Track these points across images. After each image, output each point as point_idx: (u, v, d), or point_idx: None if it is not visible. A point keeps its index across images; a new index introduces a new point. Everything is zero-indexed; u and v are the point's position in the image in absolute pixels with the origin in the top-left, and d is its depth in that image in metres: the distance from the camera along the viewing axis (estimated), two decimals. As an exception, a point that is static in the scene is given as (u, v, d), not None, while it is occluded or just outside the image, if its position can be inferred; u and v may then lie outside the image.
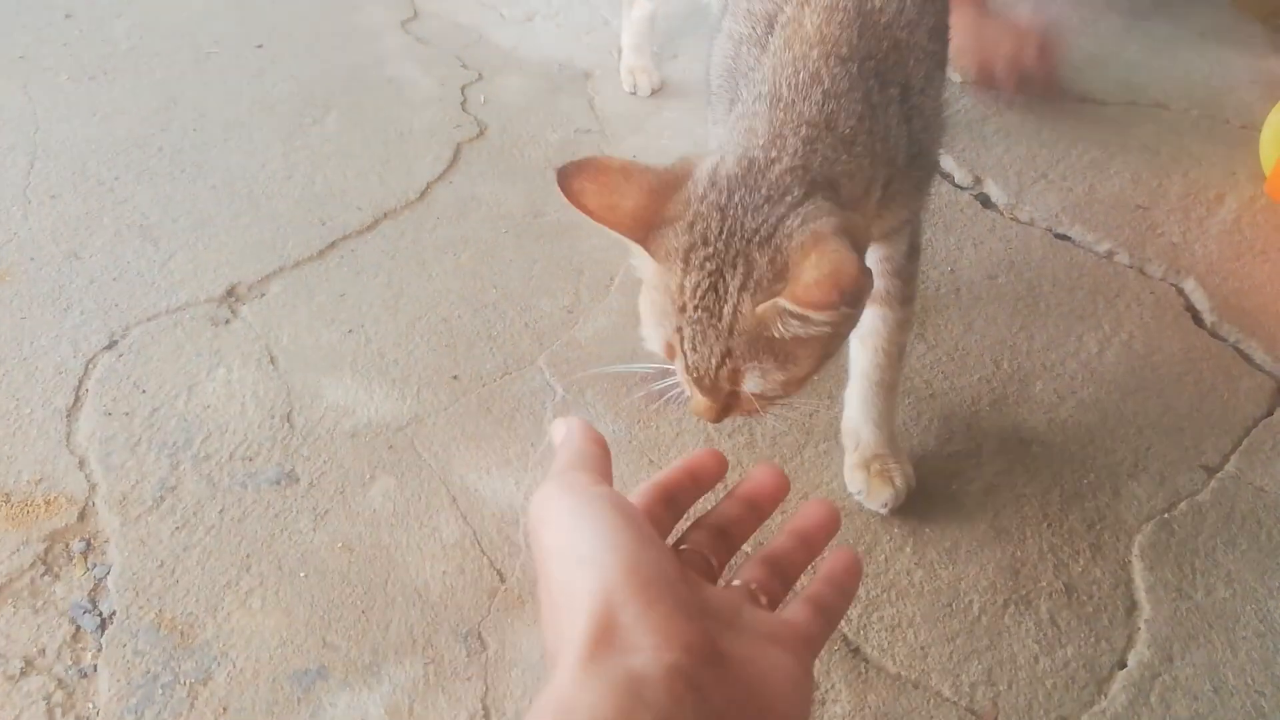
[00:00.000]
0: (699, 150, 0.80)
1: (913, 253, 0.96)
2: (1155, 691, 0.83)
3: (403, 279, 1.26)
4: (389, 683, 0.84)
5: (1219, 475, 1.01)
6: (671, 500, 0.52)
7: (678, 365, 0.74)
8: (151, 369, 1.12)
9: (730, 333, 0.70)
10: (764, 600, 0.49)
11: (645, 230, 0.71)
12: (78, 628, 0.88)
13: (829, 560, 0.52)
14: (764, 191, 0.70)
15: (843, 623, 0.87)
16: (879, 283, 0.94)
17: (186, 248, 1.30)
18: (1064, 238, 1.34)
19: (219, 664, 0.85)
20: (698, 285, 0.69)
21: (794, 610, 0.48)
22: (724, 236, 0.69)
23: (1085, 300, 1.23)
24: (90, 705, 0.82)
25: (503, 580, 0.92)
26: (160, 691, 0.83)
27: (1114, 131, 1.52)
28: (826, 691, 0.83)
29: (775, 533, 0.53)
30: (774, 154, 0.72)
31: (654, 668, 0.39)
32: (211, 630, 0.87)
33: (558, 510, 0.47)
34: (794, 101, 0.74)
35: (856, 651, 0.86)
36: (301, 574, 0.92)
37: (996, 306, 1.22)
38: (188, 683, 0.83)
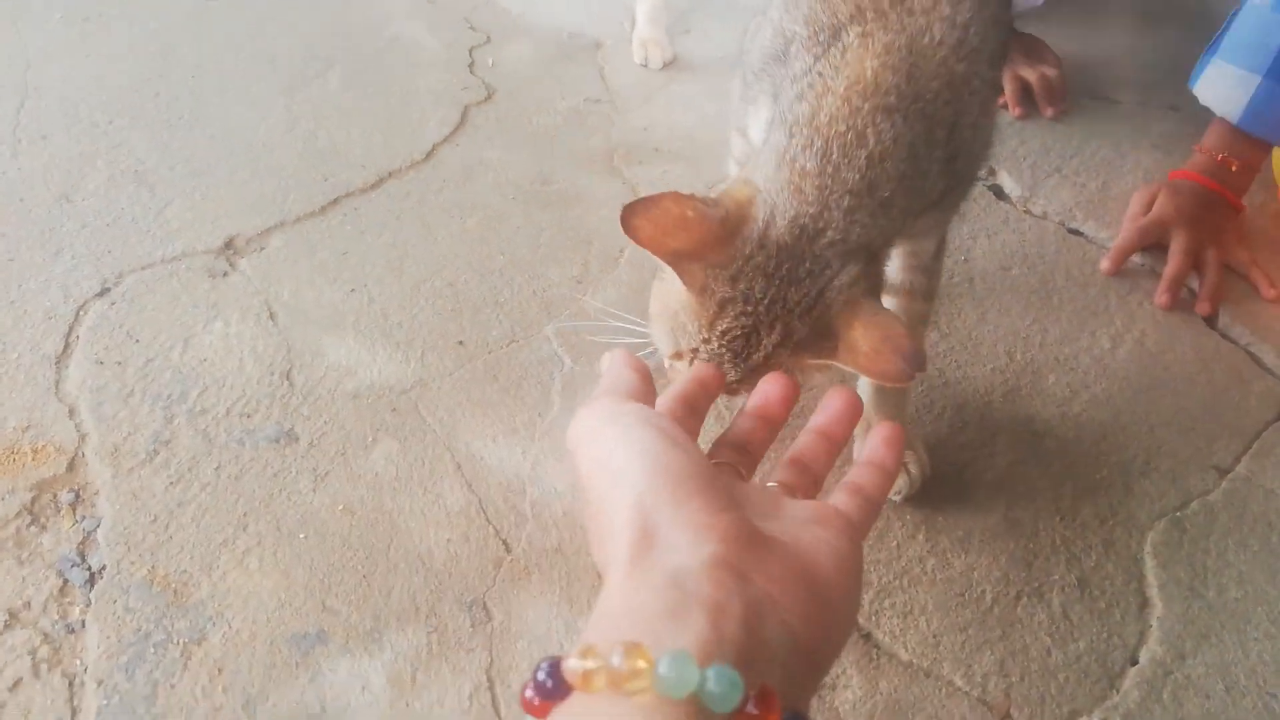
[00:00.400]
0: (730, 138, 0.80)
1: (939, 251, 0.95)
2: (1167, 689, 0.83)
3: (407, 240, 1.23)
4: (391, 650, 0.81)
5: (1230, 476, 1.01)
6: (692, 406, 0.56)
7: (680, 367, 0.74)
8: (145, 319, 1.08)
9: (752, 370, 0.71)
10: (799, 496, 0.51)
11: (687, 264, 0.71)
12: (65, 581, 0.85)
13: (870, 438, 0.56)
14: (808, 265, 0.71)
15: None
16: (903, 276, 0.93)
17: (183, 196, 1.25)
18: (1077, 233, 1.33)
19: (214, 624, 0.82)
20: (728, 331, 0.70)
21: (834, 496, 0.51)
22: (766, 302, 0.70)
23: (1098, 296, 1.22)
24: (78, 662, 0.79)
25: (508, 550, 0.90)
26: (152, 650, 0.80)
27: (1127, 130, 1.52)
28: (837, 676, 0.82)
29: (799, 433, 0.56)
30: (821, 225, 0.71)
31: (693, 561, 0.40)
32: (206, 589, 0.84)
33: (591, 431, 0.49)
34: (840, 166, 0.72)
35: (868, 637, 0.85)
36: (301, 535, 0.89)
37: (1010, 298, 1.21)
38: (181, 642, 0.80)
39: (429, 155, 1.37)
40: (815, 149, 0.74)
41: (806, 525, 0.46)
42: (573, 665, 0.38)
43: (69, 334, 1.06)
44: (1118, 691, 0.83)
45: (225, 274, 1.15)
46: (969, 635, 0.86)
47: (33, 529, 0.88)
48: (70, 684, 0.78)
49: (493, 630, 0.84)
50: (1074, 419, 1.06)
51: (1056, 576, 0.91)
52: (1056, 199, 1.37)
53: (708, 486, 0.45)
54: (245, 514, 0.91)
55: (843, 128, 0.73)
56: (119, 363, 1.03)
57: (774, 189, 0.74)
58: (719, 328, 0.70)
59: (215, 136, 1.37)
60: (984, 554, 0.92)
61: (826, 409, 0.57)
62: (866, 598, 0.87)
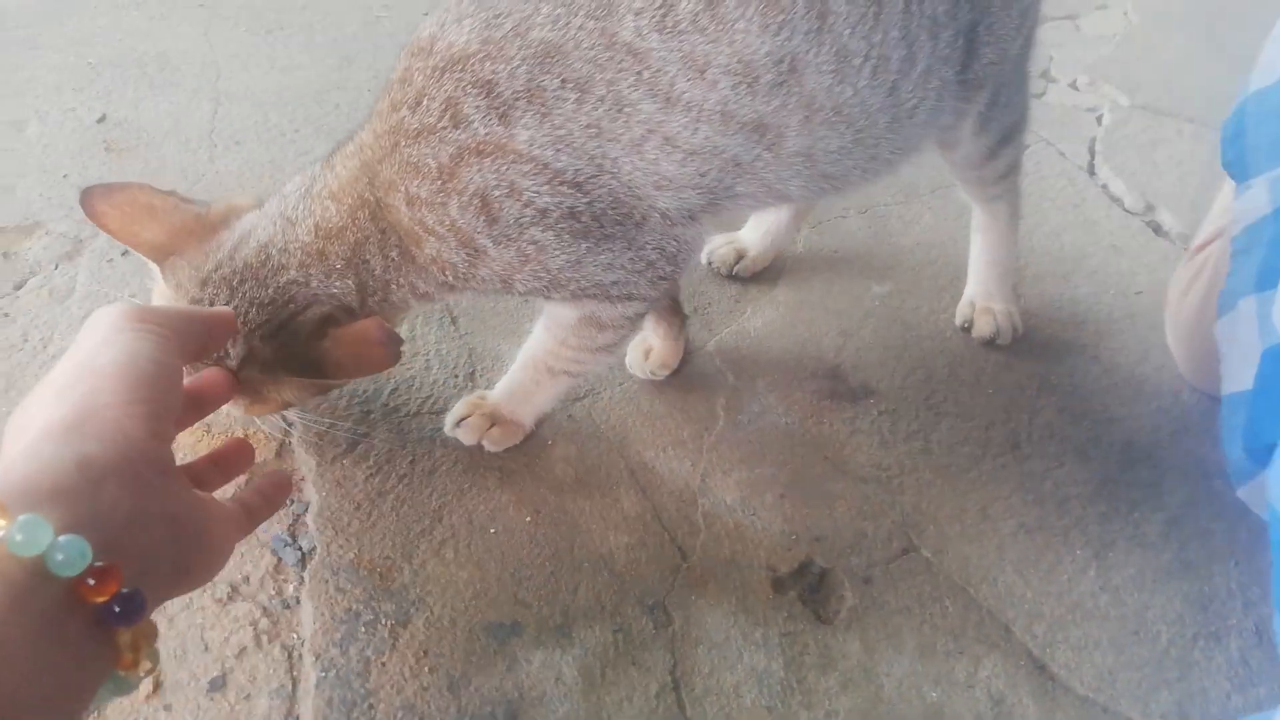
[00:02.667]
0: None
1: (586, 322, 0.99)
2: (1353, 743, 0.82)
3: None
4: (580, 645, 0.86)
5: None
6: (197, 479, 0.71)
7: None
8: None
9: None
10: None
11: (165, 256, 0.80)
12: (279, 560, 0.92)
13: (261, 479, 0.75)
14: (270, 294, 0.81)
15: (1028, 638, 0.88)
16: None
17: (368, 203, 1.33)
18: (1242, 273, 1.31)
19: (417, 609, 0.88)
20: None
21: (235, 496, 0.72)
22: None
23: (1267, 339, 1.20)
24: (294, 636, 0.86)
25: (684, 558, 0.94)
26: (363, 629, 0.86)
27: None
28: (1014, 705, 0.83)
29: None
30: (284, 262, 0.83)
31: (111, 456, 0.50)
32: (408, 575, 0.90)
33: (107, 319, 0.60)
34: (302, 226, 0.86)
35: (1043, 669, 0.86)
36: (491, 530, 0.95)
37: (1174, 336, 1.20)
38: (388, 623, 0.86)
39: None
40: (305, 200, 0.82)
41: (208, 503, 0.62)
42: None
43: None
44: (1301, 741, 0.82)
45: (408, 278, 1.22)
46: (1145, 674, 0.86)
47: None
48: (289, 655, 0.84)
49: (674, 634, 0.88)
50: (1245, 463, 1.05)
51: (1233, 621, 0.90)
52: (1220, 237, 1.35)
53: (161, 411, 0.55)
54: (440, 506, 0.97)
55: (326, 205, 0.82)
56: (318, 358, 1.10)
57: (268, 210, 0.82)
58: None
59: (392, 146, 1.45)
60: (1158, 593, 0.92)
61: (228, 446, 0.77)
62: (1041, 629, 0.89)
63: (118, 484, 0.50)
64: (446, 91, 0.75)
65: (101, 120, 1.48)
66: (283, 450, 1.01)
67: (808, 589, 0.92)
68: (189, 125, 1.47)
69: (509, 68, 0.74)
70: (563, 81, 0.74)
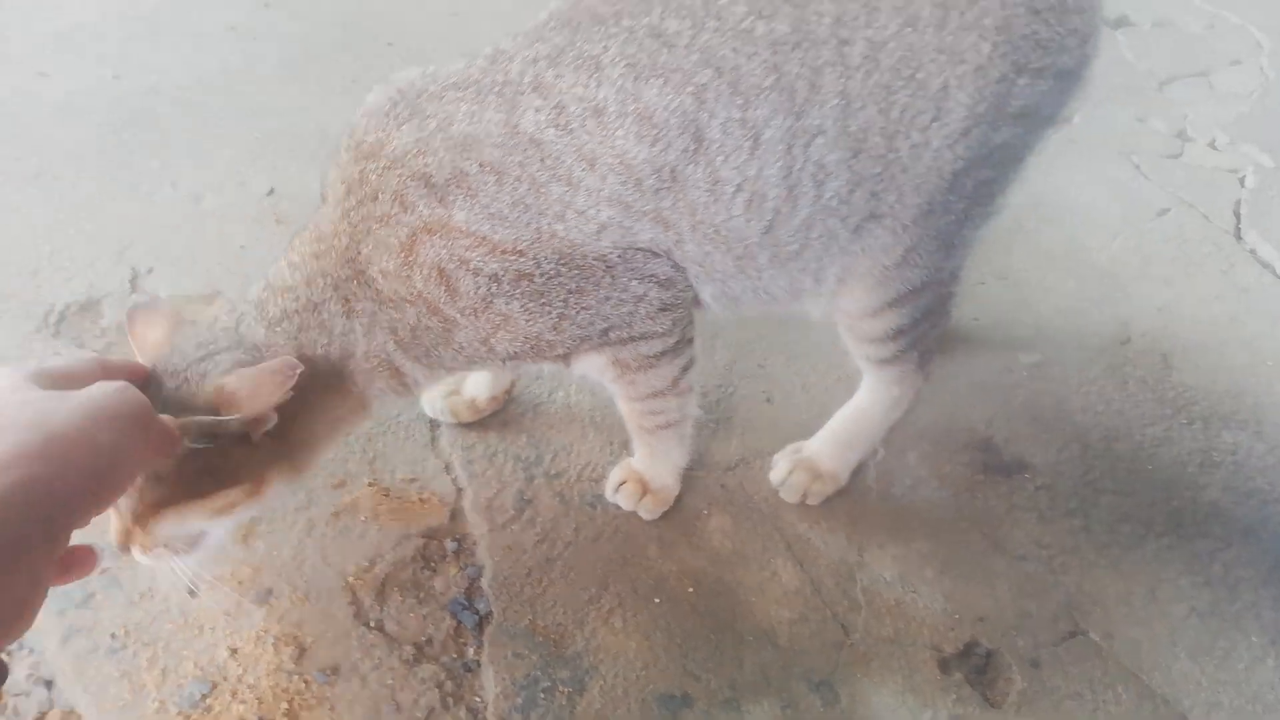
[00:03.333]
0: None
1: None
2: None
3: (715, 319, 1.32)
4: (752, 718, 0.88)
5: None
6: None
7: None
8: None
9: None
10: None
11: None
12: (458, 623, 0.96)
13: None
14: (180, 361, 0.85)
15: (1207, 729, 0.86)
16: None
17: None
18: None
19: (591, 677, 0.91)
20: None
21: None
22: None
23: None
24: (478, 699, 0.90)
25: (846, 634, 0.95)
26: (542, 695, 0.90)
27: None
28: (1196, 798, 0.82)
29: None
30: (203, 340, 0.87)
31: None
32: (581, 643, 0.94)
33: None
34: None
35: (1224, 761, 0.85)
36: (655, 600, 0.98)
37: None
38: (565, 690, 0.90)
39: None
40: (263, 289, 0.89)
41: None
42: None
43: (436, 395, 1.21)
44: None
45: (561, 346, 1.28)
46: (1335, 773, 0.84)
47: (425, 572, 1.01)
48: (475, 717, 0.89)
49: (842, 712, 0.89)
50: None
51: None
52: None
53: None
54: (605, 575, 1.00)
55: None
56: (482, 425, 1.16)
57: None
58: None
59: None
60: (1343, 687, 0.90)
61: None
62: (1219, 717, 0.87)
63: (45, 544, 0.53)
64: (393, 185, 0.83)
65: (270, 194, 1.59)
66: (456, 513, 1.07)
67: (974, 671, 0.92)
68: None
69: (437, 159, 0.82)
70: (480, 166, 0.82)
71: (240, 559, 1.00)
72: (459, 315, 0.86)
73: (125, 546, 0.80)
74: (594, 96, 0.80)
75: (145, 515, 0.79)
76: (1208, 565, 1.00)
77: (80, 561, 0.70)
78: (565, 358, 0.93)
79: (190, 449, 0.74)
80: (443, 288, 0.85)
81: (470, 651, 0.94)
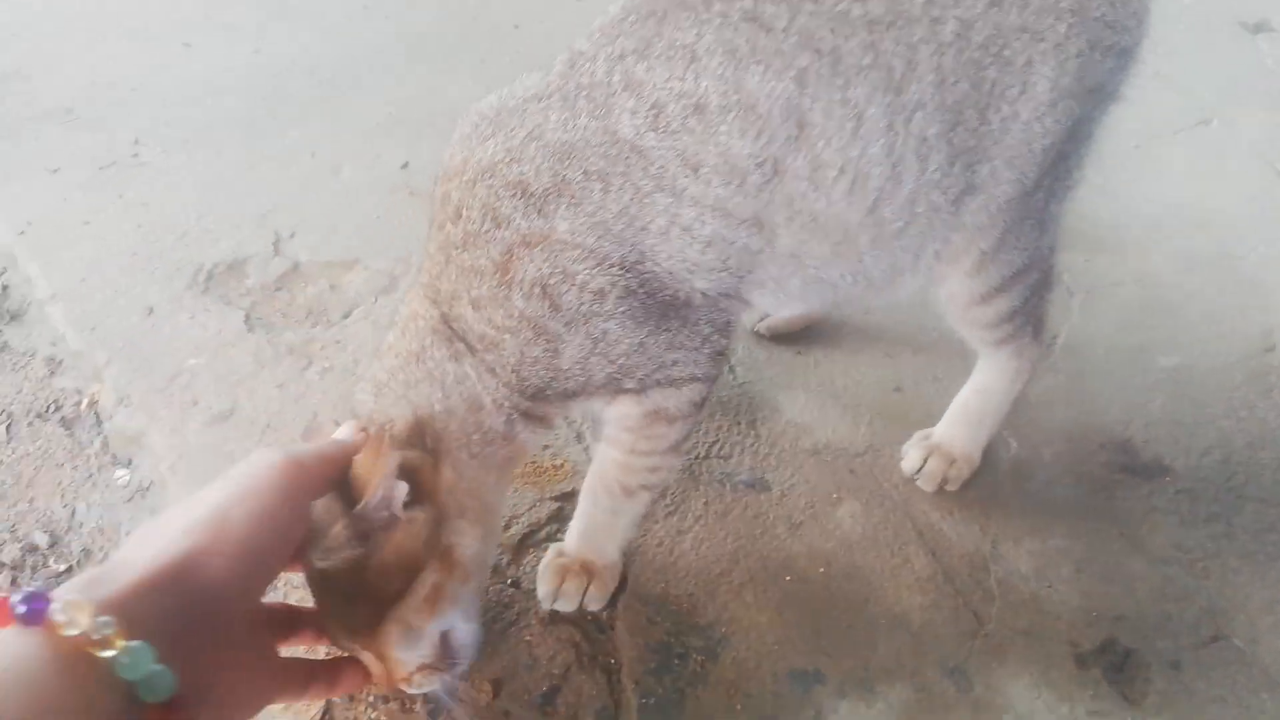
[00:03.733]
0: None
1: None
2: None
3: (848, 313, 1.32)
4: (884, 702, 0.88)
5: None
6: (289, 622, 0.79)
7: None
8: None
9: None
10: None
11: None
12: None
13: (346, 664, 0.77)
14: None
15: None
16: None
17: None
18: None
19: (723, 647, 0.93)
20: None
21: None
22: None
23: None
24: (612, 661, 0.92)
25: (980, 624, 0.95)
26: (675, 660, 0.91)
27: None
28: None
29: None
30: None
31: (210, 607, 0.59)
32: (712, 613, 0.95)
33: (249, 468, 0.67)
34: None
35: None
36: (786, 577, 0.99)
37: None
38: (699, 658, 0.92)
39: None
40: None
41: (274, 659, 0.71)
42: (59, 615, 0.50)
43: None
44: None
45: (689, 326, 1.29)
46: None
47: (560, 535, 1.03)
48: (609, 677, 0.91)
49: (976, 699, 0.89)
50: None
51: None
52: None
53: (267, 575, 0.64)
54: (735, 549, 1.02)
55: None
56: (613, 398, 1.19)
57: None
58: None
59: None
60: None
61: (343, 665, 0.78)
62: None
63: (209, 634, 0.58)
64: (481, 199, 0.78)
65: (404, 167, 1.64)
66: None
67: (1112, 668, 0.91)
68: (480, 173, 1.60)
69: (534, 166, 0.77)
70: (585, 173, 0.77)
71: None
72: (564, 330, 0.80)
73: (393, 686, 0.77)
74: (693, 90, 0.77)
75: (376, 645, 0.75)
76: (1362, 580, 0.97)
77: (350, 673, 0.77)
78: (631, 393, 0.87)
79: (356, 558, 0.72)
80: (546, 304, 0.79)
81: (604, 614, 0.96)
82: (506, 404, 0.82)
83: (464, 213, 0.79)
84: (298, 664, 0.74)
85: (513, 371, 0.81)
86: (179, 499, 1.05)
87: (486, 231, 0.78)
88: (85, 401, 1.21)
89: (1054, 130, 0.86)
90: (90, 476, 1.12)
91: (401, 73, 1.93)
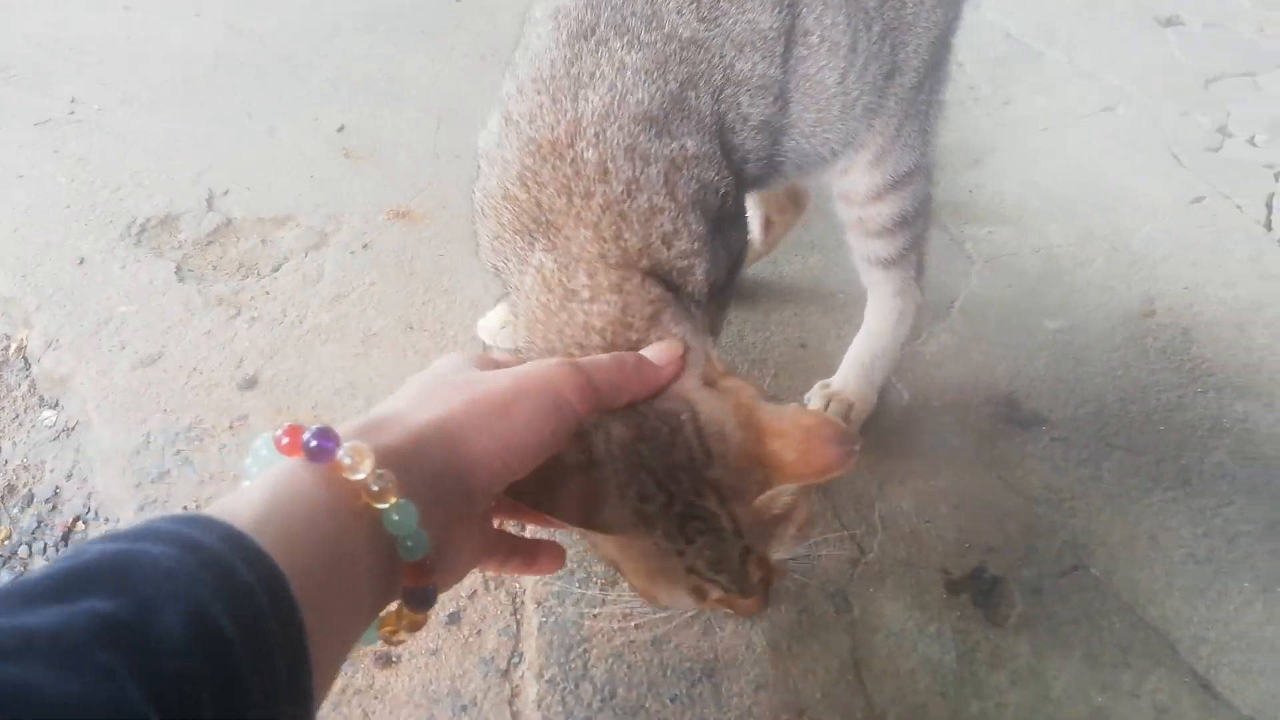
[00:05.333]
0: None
1: None
2: None
3: (756, 278, 1.39)
4: (768, 620, 0.95)
5: None
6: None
7: (711, 598, 0.72)
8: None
9: (741, 534, 0.69)
10: None
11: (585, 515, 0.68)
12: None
13: (546, 544, 0.75)
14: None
15: (1193, 659, 0.92)
16: None
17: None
18: None
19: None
20: (678, 526, 0.67)
21: None
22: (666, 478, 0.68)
23: None
24: (518, 585, 0.98)
25: (863, 554, 1.02)
26: (577, 585, 0.97)
27: None
28: (1178, 717, 0.88)
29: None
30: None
31: (469, 479, 0.57)
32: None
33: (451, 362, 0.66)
34: None
35: (1207, 687, 0.91)
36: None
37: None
38: (598, 583, 0.98)
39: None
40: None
41: (490, 530, 0.69)
42: (345, 458, 0.50)
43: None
44: None
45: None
46: (1311, 704, 0.90)
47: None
48: (514, 600, 0.96)
49: (853, 620, 0.96)
50: None
51: (1406, 666, 0.93)
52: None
53: (522, 461, 0.59)
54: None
55: None
56: (532, 349, 1.24)
57: None
58: (668, 532, 0.69)
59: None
60: (1328, 632, 0.95)
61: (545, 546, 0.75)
62: (1205, 651, 0.93)
63: (461, 506, 0.57)
64: (619, 143, 0.78)
65: (341, 130, 1.67)
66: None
67: (980, 593, 0.99)
68: (415, 138, 1.65)
69: (647, 92, 0.78)
70: (680, 84, 0.81)
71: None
72: (716, 240, 0.83)
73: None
74: None
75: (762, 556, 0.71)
76: (1209, 519, 1.06)
77: (548, 555, 0.74)
78: None
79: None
80: (705, 217, 0.81)
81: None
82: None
83: (609, 165, 0.77)
84: (505, 537, 0.72)
85: (703, 293, 0.82)
86: (104, 438, 1.09)
87: (641, 172, 0.78)
88: (14, 346, 1.24)
89: (940, 23, 0.99)
90: (17, 418, 1.15)
91: (346, 44, 1.96)
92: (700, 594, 0.71)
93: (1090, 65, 1.98)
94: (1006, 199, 1.56)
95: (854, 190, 1.07)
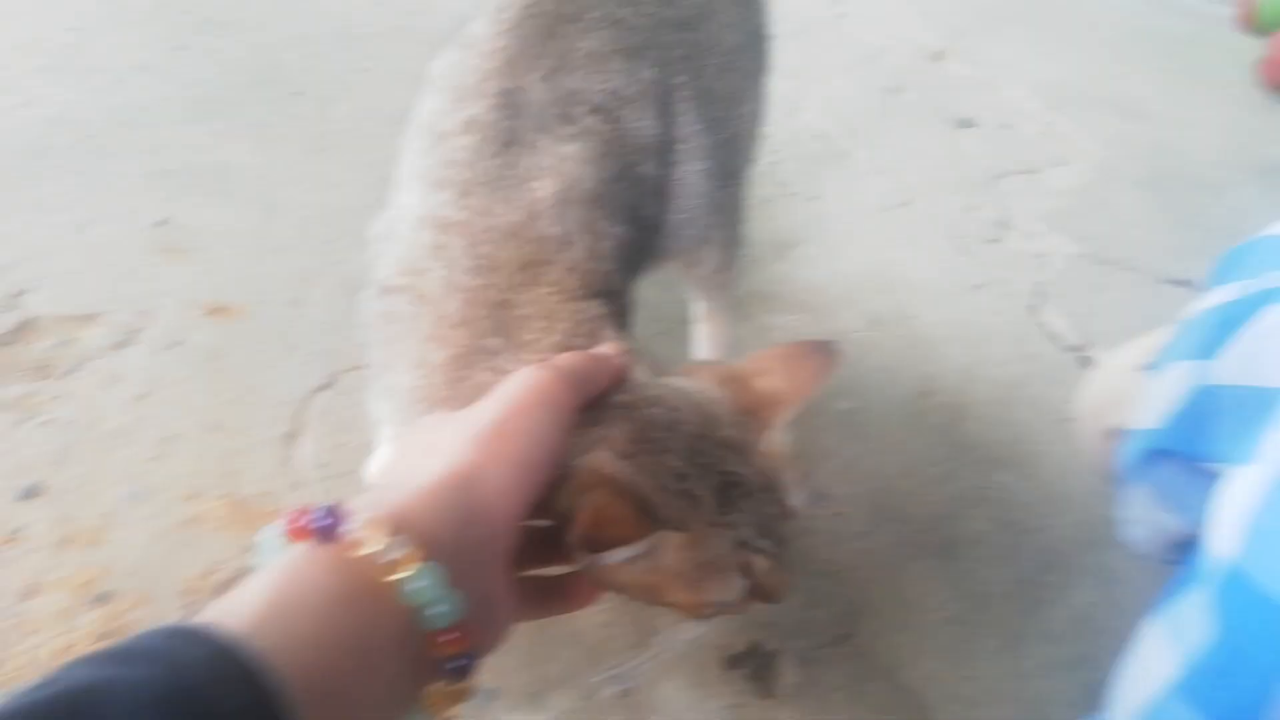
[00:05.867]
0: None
1: None
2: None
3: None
4: (553, 709, 0.98)
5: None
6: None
7: (758, 571, 0.69)
8: (361, 410, 1.31)
9: (770, 488, 0.71)
10: None
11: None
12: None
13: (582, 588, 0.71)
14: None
15: (943, 716, 1.00)
16: None
17: (390, 309, 1.51)
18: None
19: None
20: (721, 496, 0.67)
21: None
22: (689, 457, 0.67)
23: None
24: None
25: (649, 637, 1.07)
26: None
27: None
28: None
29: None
30: None
31: (489, 530, 0.55)
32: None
33: (539, 388, 0.62)
34: None
35: None
36: (480, 603, 1.08)
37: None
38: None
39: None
40: None
41: (515, 585, 0.62)
42: (355, 532, 0.47)
43: (297, 418, 1.30)
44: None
45: (422, 377, 1.38)
46: None
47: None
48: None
49: (632, 703, 1.00)
50: None
51: (1127, 714, 1.02)
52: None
53: (531, 495, 0.58)
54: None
55: None
56: (339, 445, 1.26)
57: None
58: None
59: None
60: (1058, 681, 1.05)
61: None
62: (955, 708, 1.01)
63: (488, 549, 0.54)
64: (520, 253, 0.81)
65: (162, 223, 1.67)
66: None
67: (757, 667, 1.05)
68: (241, 231, 1.66)
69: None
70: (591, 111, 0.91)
71: (86, 563, 1.07)
72: None
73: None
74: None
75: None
76: (965, 581, 1.16)
77: (580, 583, 0.69)
78: None
79: None
80: None
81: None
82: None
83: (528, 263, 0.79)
84: (531, 579, 0.67)
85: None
86: None
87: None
88: None
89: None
90: None
91: (173, 133, 1.96)
92: (748, 570, 0.68)
93: (891, 163, 2.16)
94: (809, 288, 1.68)
95: None
